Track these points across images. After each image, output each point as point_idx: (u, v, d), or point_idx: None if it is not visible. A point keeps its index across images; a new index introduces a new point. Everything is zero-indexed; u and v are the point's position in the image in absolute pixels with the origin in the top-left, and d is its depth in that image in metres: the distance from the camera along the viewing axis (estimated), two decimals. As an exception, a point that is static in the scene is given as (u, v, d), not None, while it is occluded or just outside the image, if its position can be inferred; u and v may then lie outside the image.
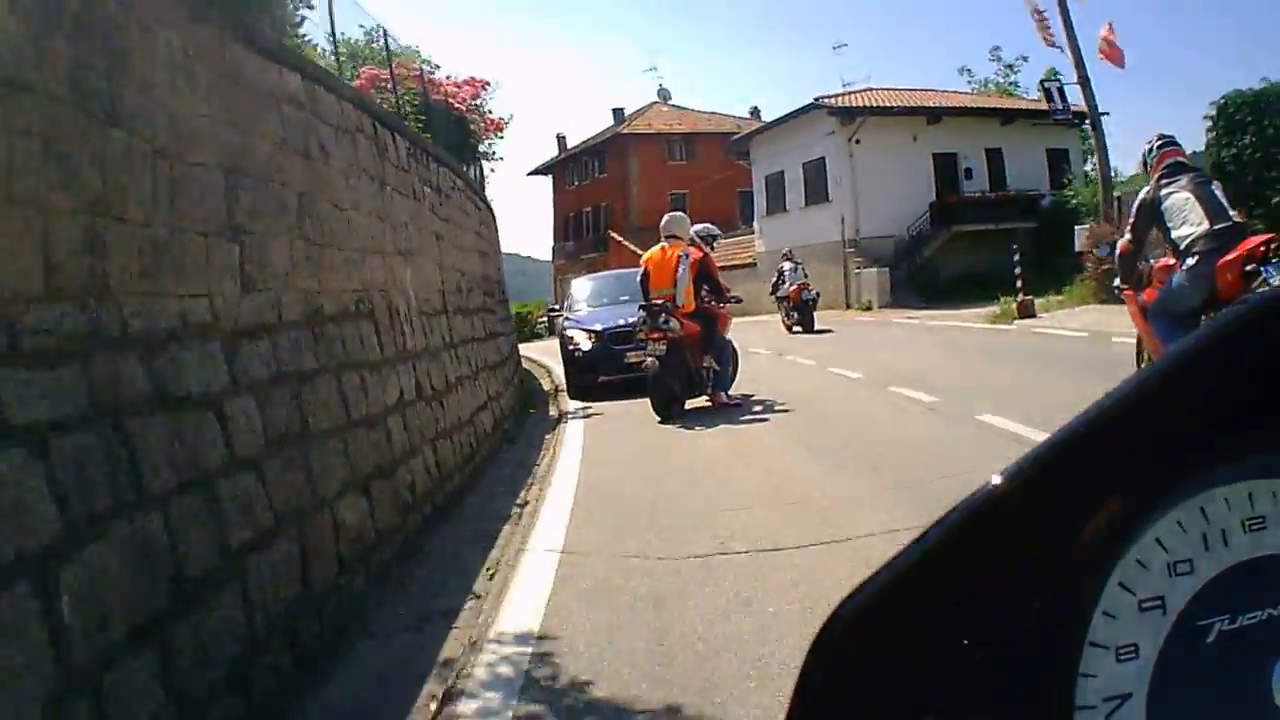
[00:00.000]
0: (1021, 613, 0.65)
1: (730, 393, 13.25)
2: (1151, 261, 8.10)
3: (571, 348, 16.81)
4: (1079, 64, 25.94)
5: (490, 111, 19.85)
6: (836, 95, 38.61)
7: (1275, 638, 0.70)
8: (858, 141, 36.46)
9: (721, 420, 11.80)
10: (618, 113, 60.49)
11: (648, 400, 12.61)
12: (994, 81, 49.11)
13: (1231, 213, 7.36)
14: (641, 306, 12.93)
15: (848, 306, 34.81)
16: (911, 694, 0.65)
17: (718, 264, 14.07)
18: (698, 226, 14.14)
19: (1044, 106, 41.56)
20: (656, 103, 60.65)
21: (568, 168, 63.45)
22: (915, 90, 40.27)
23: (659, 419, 12.29)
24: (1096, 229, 23.18)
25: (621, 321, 16.07)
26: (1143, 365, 8.47)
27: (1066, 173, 38.11)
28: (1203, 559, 0.71)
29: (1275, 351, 0.66)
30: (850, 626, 0.64)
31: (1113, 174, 26.64)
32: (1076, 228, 25.32)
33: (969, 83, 49.28)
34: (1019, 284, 23.03)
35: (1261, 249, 7.03)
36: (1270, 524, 0.73)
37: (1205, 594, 0.71)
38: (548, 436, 12.25)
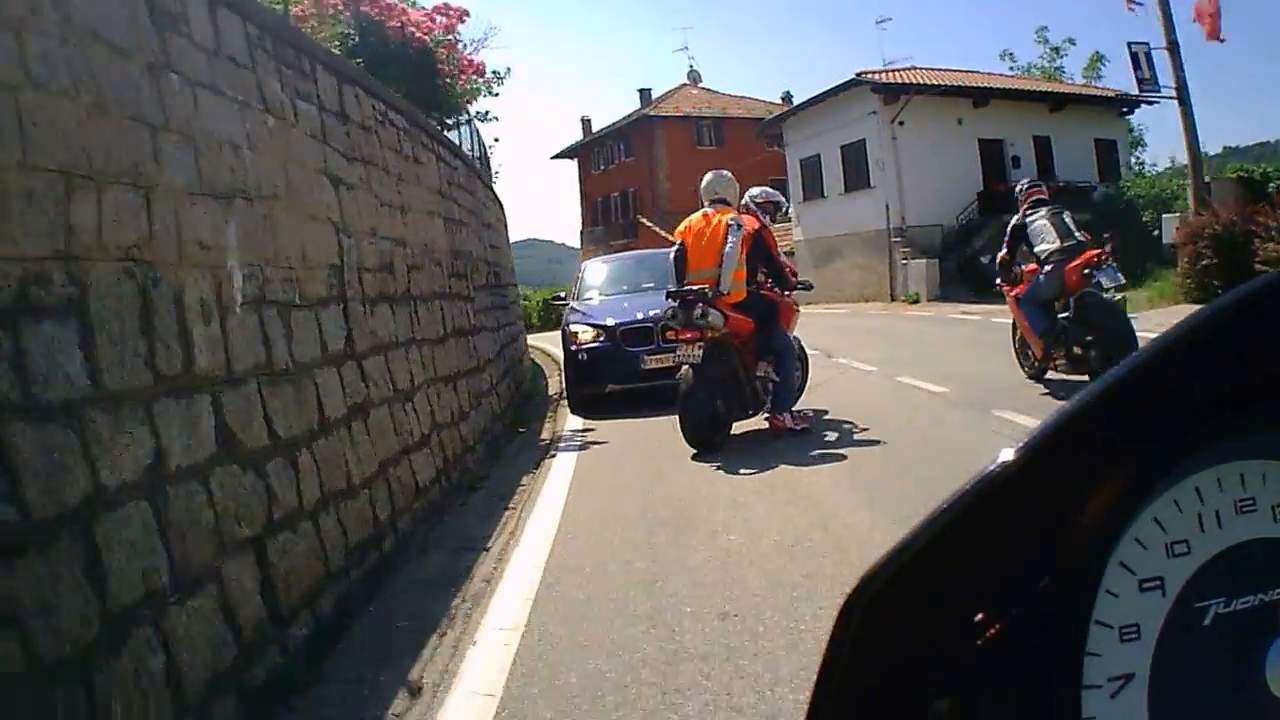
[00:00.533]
0: (1031, 590, 0.64)
1: (796, 409, 9.49)
2: (1021, 267, 10.37)
3: (574, 347, 12.87)
4: (1169, 27, 21.71)
5: (475, 52, 15.84)
6: (880, 71, 34.44)
7: (1268, 623, 0.68)
8: (901, 123, 32.47)
9: (780, 458, 7.96)
10: (644, 94, 56.17)
11: (674, 420, 8.79)
12: (1038, 66, 44.60)
13: (1076, 234, 9.77)
14: (671, 294, 9.06)
15: (892, 299, 30.80)
16: (928, 674, 0.63)
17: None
18: (755, 190, 10.18)
19: (1094, 92, 37.95)
20: (686, 85, 56.39)
21: (593, 152, 59.41)
22: (960, 71, 36.15)
23: (693, 452, 8.49)
24: (1193, 220, 19.16)
25: (640, 315, 12.40)
26: (1015, 340, 10.87)
27: (1117, 164, 35.39)
28: (1198, 540, 0.70)
29: (1259, 335, 0.65)
30: (874, 601, 0.61)
31: (1152, 164, 22.48)
32: (1165, 218, 21.61)
33: (1011, 68, 44.78)
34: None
35: (1095, 259, 9.31)
36: (1260, 506, 0.72)
37: (1202, 576, 0.70)
38: (525, 481, 8.28)
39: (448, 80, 13.75)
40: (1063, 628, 0.65)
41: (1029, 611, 0.63)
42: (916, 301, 29.53)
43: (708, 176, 9.81)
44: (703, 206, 9.58)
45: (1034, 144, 34.17)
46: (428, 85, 12.81)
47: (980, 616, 0.62)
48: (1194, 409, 0.66)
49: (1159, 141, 76.14)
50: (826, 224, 35.67)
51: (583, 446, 9.72)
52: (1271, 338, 0.65)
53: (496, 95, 16.77)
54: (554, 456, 9.30)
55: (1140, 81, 22.24)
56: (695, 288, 8.86)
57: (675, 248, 9.62)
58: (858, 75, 33.12)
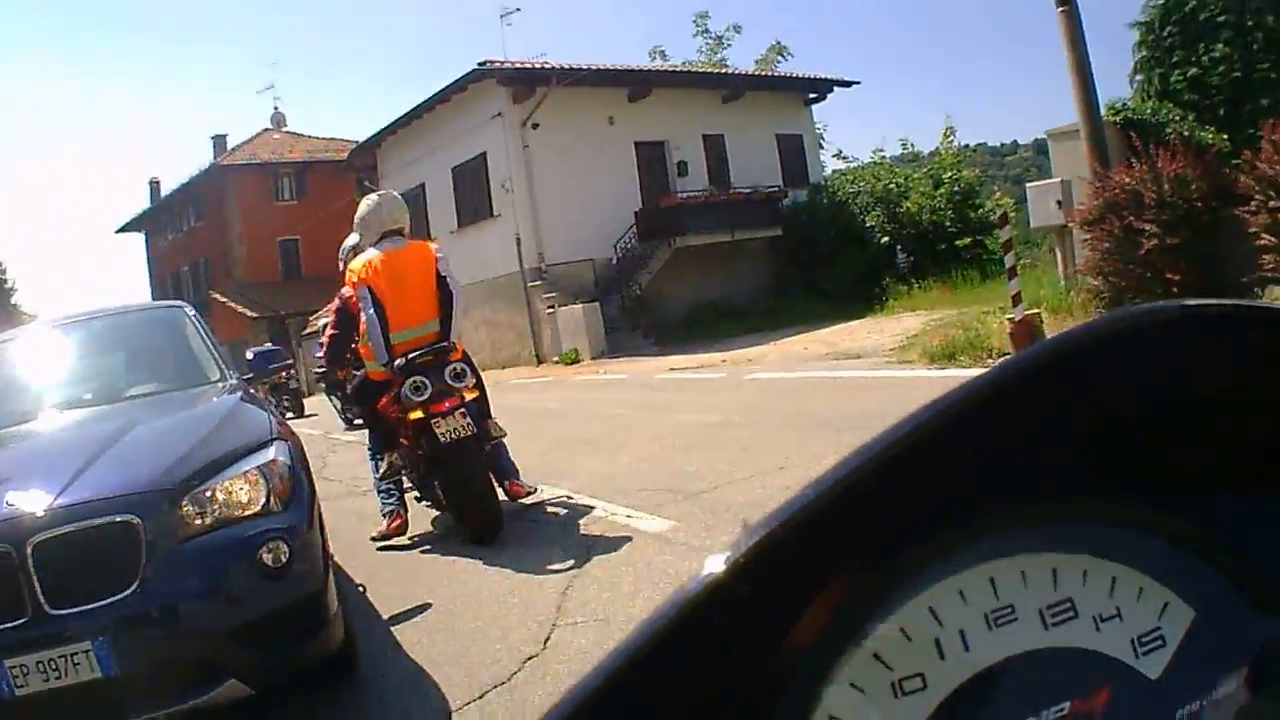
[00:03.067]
0: None
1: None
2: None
3: None
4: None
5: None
6: (510, 63, 24.70)
7: None
8: (535, 126, 23.01)
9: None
10: (219, 142, 43.93)
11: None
12: (698, 61, 36.50)
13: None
14: (408, 368, 6.00)
15: (539, 361, 20.93)
16: None
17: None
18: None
19: (779, 75, 30.11)
20: (269, 130, 44.74)
21: (160, 220, 46.66)
22: (606, 67, 27.17)
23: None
24: (1111, 180, 10.12)
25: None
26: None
27: (804, 164, 27.98)
28: (936, 673, 0.52)
29: (994, 421, 0.52)
30: None
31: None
32: (1031, 186, 12.92)
33: (663, 68, 36.55)
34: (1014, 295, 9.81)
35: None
36: (1022, 614, 0.53)
37: (942, 714, 0.51)
38: None
39: None
40: None
41: None
42: (575, 361, 19.84)
43: (371, 200, 6.61)
44: (365, 249, 6.46)
45: (704, 145, 25.67)
46: None
47: None
48: (924, 513, 0.51)
49: (837, 138, 71.09)
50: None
51: None
52: (1023, 424, 0.52)
53: None
54: None
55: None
56: (421, 349, 6.02)
57: (361, 302, 6.20)
58: (482, 64, 23.16)
